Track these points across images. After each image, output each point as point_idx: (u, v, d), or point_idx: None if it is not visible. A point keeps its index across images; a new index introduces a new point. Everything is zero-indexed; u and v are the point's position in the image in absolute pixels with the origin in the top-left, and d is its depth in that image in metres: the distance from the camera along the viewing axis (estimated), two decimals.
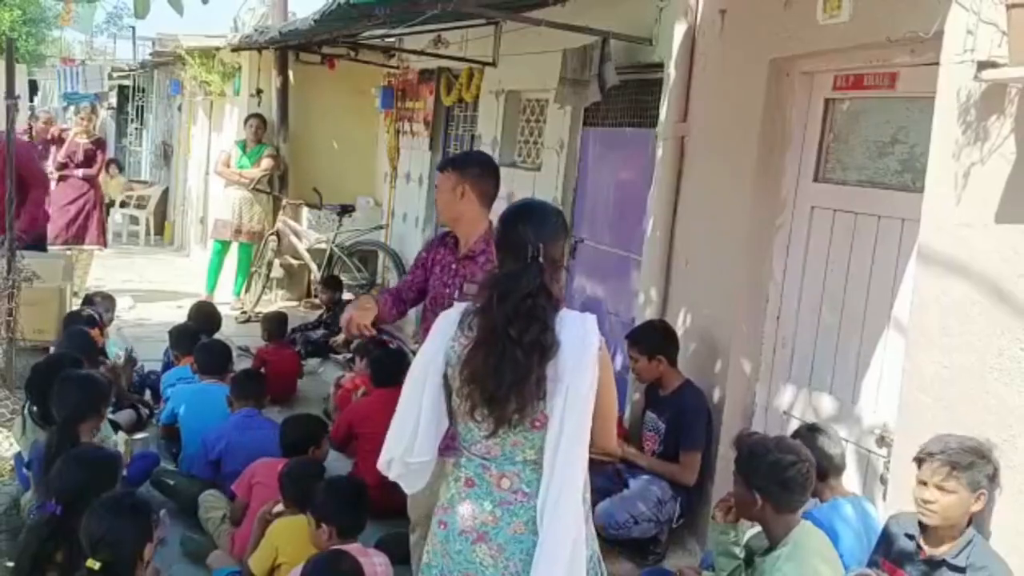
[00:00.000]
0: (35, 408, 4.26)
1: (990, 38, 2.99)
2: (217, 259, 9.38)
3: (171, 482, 4.54)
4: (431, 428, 2.49)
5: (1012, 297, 2.91)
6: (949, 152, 3.12)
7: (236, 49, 9.55)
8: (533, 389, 2.29)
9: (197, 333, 5.87)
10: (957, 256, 3.09)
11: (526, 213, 2.52)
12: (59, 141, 9.49)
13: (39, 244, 7.03)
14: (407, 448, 2.49)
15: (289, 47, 9.08)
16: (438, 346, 2.48)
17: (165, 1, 4.00)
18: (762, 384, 4.30)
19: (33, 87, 6.93)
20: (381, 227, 9.38)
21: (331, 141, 9.85)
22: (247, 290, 9.30)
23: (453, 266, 3.52)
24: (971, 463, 2.78)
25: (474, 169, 3.56)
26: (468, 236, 3.51)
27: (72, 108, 9.61)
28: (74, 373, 3.99)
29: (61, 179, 8.92)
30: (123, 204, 14.30)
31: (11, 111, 5.37)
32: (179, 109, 13.87)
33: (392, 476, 2.56)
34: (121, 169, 15.66)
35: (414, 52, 8.34)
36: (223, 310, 8.95)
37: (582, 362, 2.30)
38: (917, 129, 3.60)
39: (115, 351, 4.52)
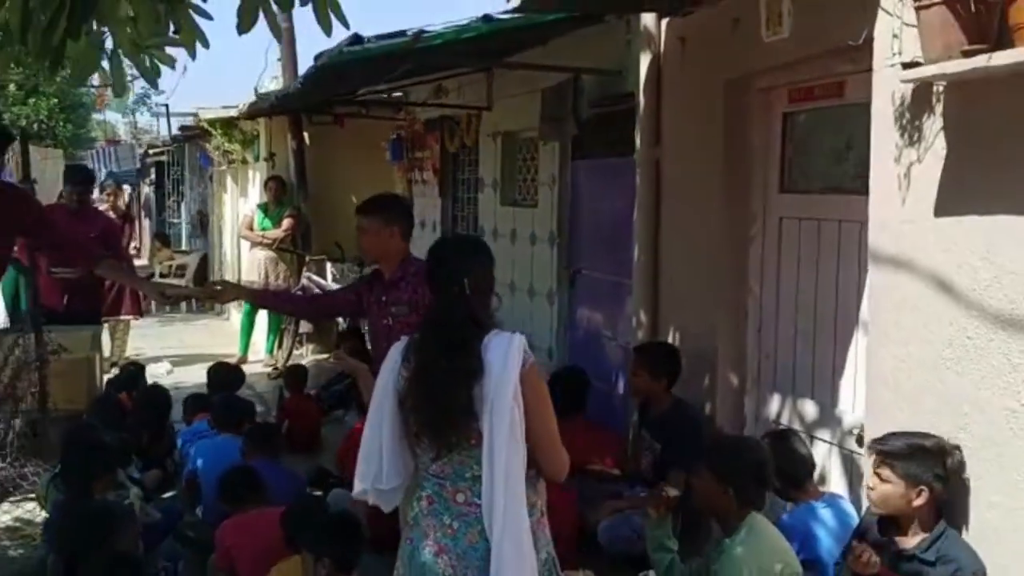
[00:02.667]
0: (59, 473, 4.49)
1: (914, 40, 3.09)
2: (247, 320, 9.69)
3: (191, 534, 4.70)
4: (395, 455, 2.64)
5: (955, 288, 2.97)
6: (888, 154, 3.21)
7: (248, 117, 9.93)
8: (463, 412, 2.45)
9: (211, 396, 6.07)
10: (903, 253, 3.16)
11: (451, 247, 2.73)
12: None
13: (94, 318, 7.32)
14: (376, 476, 2.65)
15: (301, 110, 9.43)
16: (387, 378, 2.65)
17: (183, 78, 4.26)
18: (750, 396, 4.37)
19: (86, 172, 7.43)
20: None
21: (349, 196, 10.11)
22: (279, 347, 9.57)
23: (383, 298, 3.97)
24: (909, 456, 2.83)
25: (396, 210, 4.02)
26: (391, 268, 3.97)
27: (105, 188, 10.00)
28: (86, 436, 4.22)
29: None
30: (163, 275, 14.75)
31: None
32: (211, 179, 14.39)
33: (370, 502, 2.72)
34: (166, 243, 16.24)
35: (416, 104, 8.60)
36: (256, 368, 9.28)
37: (503, 380, 2.43)
38: (868, 134, 3.69)
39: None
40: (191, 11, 2.85)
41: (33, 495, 5.30)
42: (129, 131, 21.85)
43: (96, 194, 9.91)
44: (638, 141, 4.93)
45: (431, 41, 4.92)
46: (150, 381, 7.37)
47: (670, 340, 4.75)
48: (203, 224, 15.50)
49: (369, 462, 2.66)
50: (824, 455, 3.88)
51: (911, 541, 2.90)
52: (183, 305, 14.43)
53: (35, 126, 17.99)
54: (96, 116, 32.96)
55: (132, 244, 9.82)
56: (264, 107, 8.87)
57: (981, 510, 2.89)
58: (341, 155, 10.04)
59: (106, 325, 9.45)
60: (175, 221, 17.93)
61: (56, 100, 18.41)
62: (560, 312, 6.27)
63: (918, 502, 2.84)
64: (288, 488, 4.63)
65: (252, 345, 9.76)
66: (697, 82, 4.50)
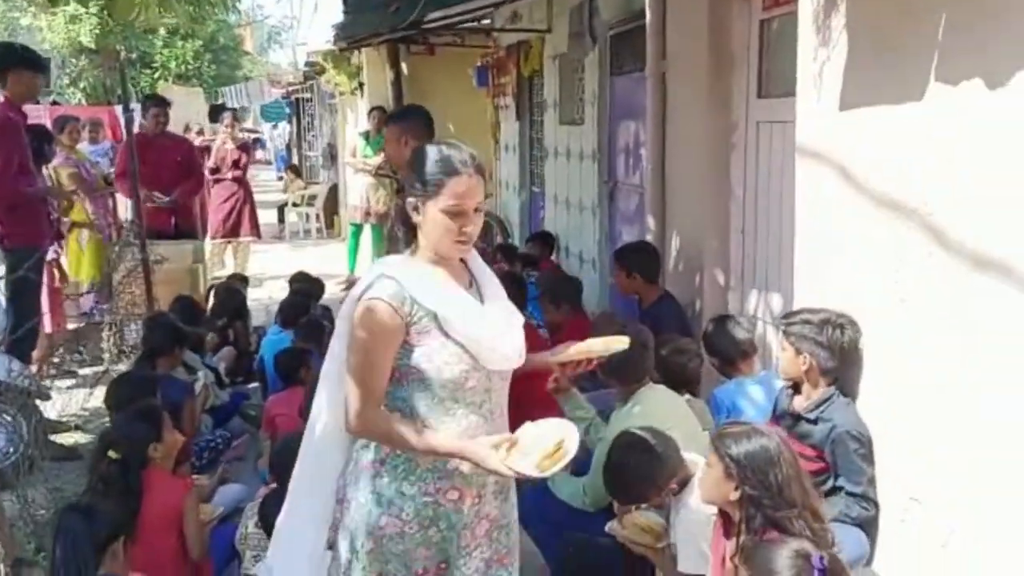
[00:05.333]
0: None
1: None
2: (353, 240, 10.47)
3: (252, 412, 5.47)
4: None
5: (860, 179, 3.18)
6: (808, 55, 3.41)
7: (343, 48, 10.55)
8: None
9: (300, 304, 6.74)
10: (822, 148, 3.38)
11: None
12: (206, 149, 10.89)
13: (191, 234, 8.19)
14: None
15: (397, 40, 9.97)
16: None
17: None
18: (734, 292, 4.64)
19: (160, 99, 8.29)
20: (490, 195, 10.12)
21: (445, 124, 10.66)
22: None
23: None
24: (798, 329, 3.12)
25: (411, 120, 4.27)
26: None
27: (222, 120, 10.94)
28: (157, 318, 5.01)
29: (216, 182, 10.28)
30: (295, 204, 15.87)
31: (129, 122, 6.55)
32: (335, 112, 15.27)
33: None
34: (299, 175, 17.39)
35: (493, 29, 8.97)
36: None
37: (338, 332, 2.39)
38: None
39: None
40: None
41: None
42: (293, 71, 22.97)
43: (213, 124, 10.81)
44: (648, 56, 5.18)
45: None
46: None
47: (672, 242, 5.06)
48: (332, 156, 16.47)
49: None
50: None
51: (802, 404, 3.21)
52: (313, 231, 15.56)
53: (183, 67, 19.47)
54: (259, 58, 34.88)
55: (249, 172, 10.69)
56: (354, 37, 9.44)
57: (873, 380, 3.15)
58: (436, 84, 10.55)
59: (229, 245, 10.53)
60: (311, 154, 19.06)
61: (201, 43, 19.85)
62: (601, 224, 6.61)
63: (803, 368, 3.14)
64: None
65: (358, 264, 10.54)
66: None
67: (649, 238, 5.23)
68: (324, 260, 12.70)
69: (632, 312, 5.62)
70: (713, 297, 4.68)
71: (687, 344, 3.83)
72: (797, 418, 3.20)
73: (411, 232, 2.36)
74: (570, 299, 5.06)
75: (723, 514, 2.54)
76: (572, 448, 2.17)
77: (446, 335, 2.26)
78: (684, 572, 2.79)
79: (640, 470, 2.84)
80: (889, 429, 3.07)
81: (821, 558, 2.16)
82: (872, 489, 3.09)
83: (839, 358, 3.14)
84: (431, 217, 2.28)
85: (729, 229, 4.60)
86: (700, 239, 4.75)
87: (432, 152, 2.30)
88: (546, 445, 2.16)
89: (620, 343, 2.55)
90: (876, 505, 3.07)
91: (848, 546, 2.74)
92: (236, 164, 10.32)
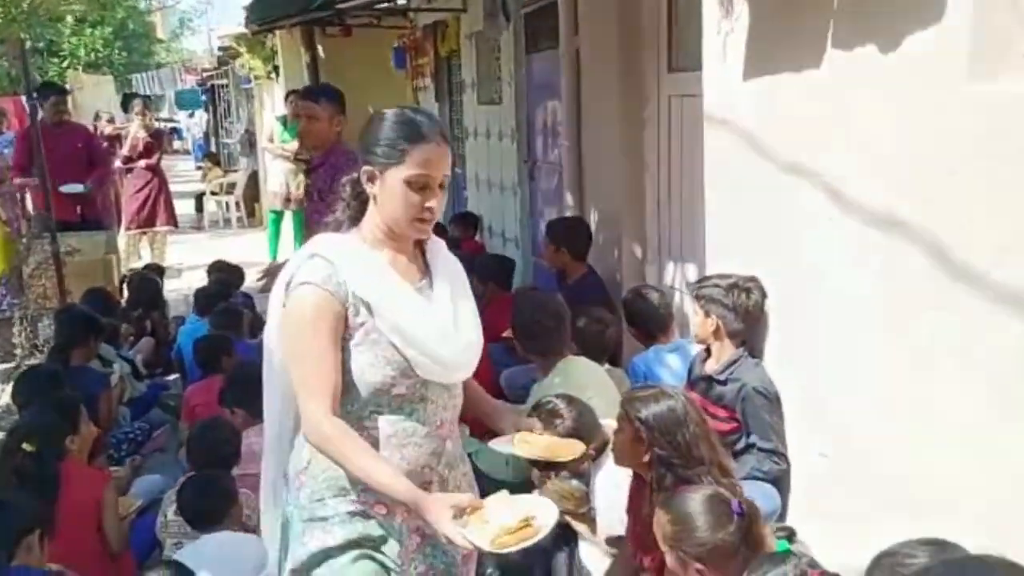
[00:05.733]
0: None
1: None
2: (274, 227, 10.31)
3: (171, 403, 5.37)
4: None
5: (764, 147, 3.26)
6: (713, 27, 3.48)
7: (255, 32, 10.36)
8: None
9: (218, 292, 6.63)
10: (728, 119, 3.45)
11: None
12: (116, 138, 10.61)
13: (97, 223, 7.97)
14: None
15: (311, 22, 9.81)
16: None
17: None
18: (651, 264, 4.73)
19: (58, 87, 8.04)
20: None
21: (364, 107, 10.56)
22: None
23: (307, 182, 4.37)
24: (707, 293, 3.20)
25: (342, 102, 4.20)
26: (319, 154, 4.29)
27: (133, 108, 10.66)
28: (69, 310, 4.88)
29: (128, 171, 10.01)
30: (214, 193, 15.54)
31: (34, 111, 6.35)
32: (252, 98, 14.98)
33: None
34: (218, 163, 17.03)
35: (409, 9, 8.91)
36: None
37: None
38: None
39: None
40: None
41: None
42: (209, 59, 22.41)
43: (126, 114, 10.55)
44: (560, 34, 5.21)
45: None
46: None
47: (592, 217, 5.11)
48: (250, 142, 16.16)
49: None
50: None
51: (713, 366, 3.30)
52: (233, 220, 15.27)
53: (92, 55, 18.88)
54: (173, 45, 33.92)
55: (167, 163, 10.44)
56: (266, 19, 9.28)
57: (783, 340, 3.25)
58: (353, 66, 10.39)
59: (144, 236, 10.29)
60: (228, 141, 18.68)
61: (111, 30, 19.27)
62: (522, 203, 6.61)
63: (712, 329, 3.22)
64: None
65: (280, 251, 10.39)
66: None
67: (568, 215, 5.28)
68: (245, 249, 12.47)
69: (553, 288, 5.68)
70: (631, 269, 4.76)
71: (604, 315, 3.89)
72: (709, 381, 3.29)
73: (360, 207, 2.10)
74: (498, 279, 5.11)
75: (636, 476, 2.60)
76: (542, 528, 1.89)
77: (379, 331, 2.00)
78: (605, 535, 2.84)
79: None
80: (797, 387, 3.18)
81: (739, 503, 2.23)
82: (782, 445, 3.20)
83: (745, 320, 3.24)
84: (390, 188, 2.00)
85: (645, 203, 4.68)
86: (617, 214, 4.82)
87: (396, 116, 2.05)
88: (508, 521, 1.87)
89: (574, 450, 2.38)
90: (787, 460, 3.18)
91: (761, 501, 2.82)
92: (149, 152, 10.07)
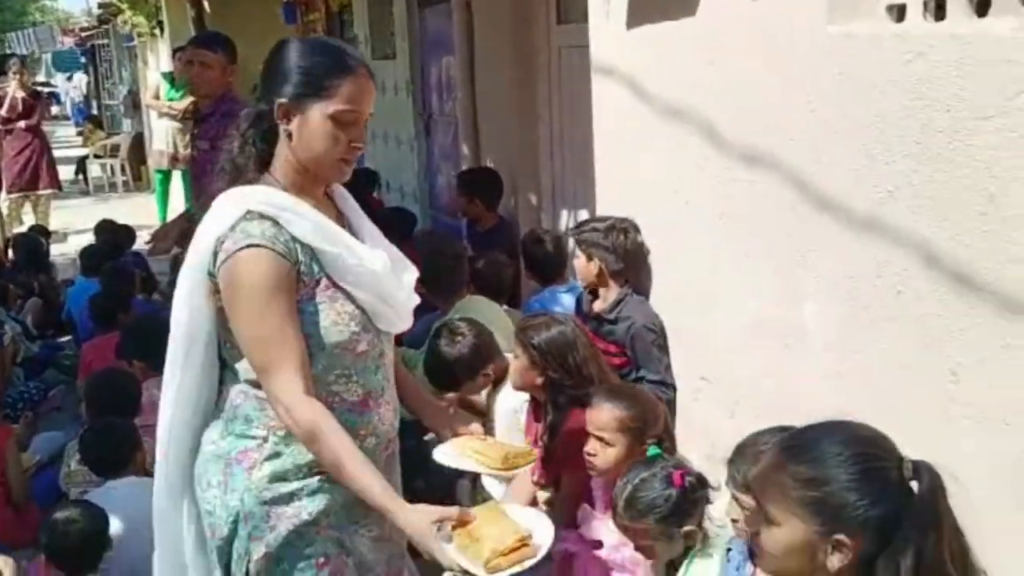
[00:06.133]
0: None
1: None
2: (161, 188, 10.11)
3: (67, 362, 5.31)
4: None
5: (647, 93, 3.44)
6: None
7: None
8: None
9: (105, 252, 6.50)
10: (613, 67, 3.61)
11: None
12: None
13: None
14: None
15: None
16: None
17: None
18: (546, 212, 4.91)
19: (7, 57, 7.63)
20: None
21: (254, 64, 10.38)
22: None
23: (195, 131, 4.32)
24: (586, 238, 3.38)
25: (235, 52, 4.19)
26: (208, 103, 4.23)
27: (9, 68, 10.20)
28: None
29: (7, 133, 9.62)
30: (98, 156, 15.02)
31: None
32: (135, 57, 14.49)
33: None
34: (100, 126, 16.43)
35: None
36: None
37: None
38: None
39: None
40: None
41: None
42: (87, 18, 21.41)
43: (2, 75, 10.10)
44: None
45: None
46: None
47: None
48: (135, 104, 15.64)
49: None
50: None
51: (601, 306, 3.48)
52: (119, 183, 14.80)
53: None
54: (48, 4, 32.25)
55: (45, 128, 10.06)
56: None
57: (665, 276, 3.47)
58: (242, 22, 10.18)
59: (27, 200, 9.93)
60: (111, 103, 18.03)
61: None
62: (419, 157, 6.72)
63: (595, 272, 3.40)
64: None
65: (169, 212, 10.17)
66: None
67: (464, 167, 5.40)
68: (133, 212, 12.12)
69: (456, 233, 5.81)
70: (527, 217, 4.92)
71: (500, 257, 4.04)
72: (600, 320, 3.47)
73: (266, 150, 1.89)
74: (401, 233, 5.20)
75: (532, 399, 2.77)
76: (540, 548, 1.74)
77: (335, 286, 1.85)
78: None
79: (456, 354, 3.02)
80: (680, 318, 3.40)
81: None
82: (669, 375, 3.42)
83: (625, 259, 3.42)
84: (314, 125, 1.82)
85: (539, 153, 4.83)
86: (512, 164, 4.97)
87: (315, 45, 1.90)
88: (504, 539, 1.69)
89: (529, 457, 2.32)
90: (674, 388, 3.40)
91: None
92: (29, 113, 9.70)
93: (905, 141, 2.29)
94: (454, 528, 1.72)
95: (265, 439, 1.88)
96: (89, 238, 9.78)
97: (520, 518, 1.82)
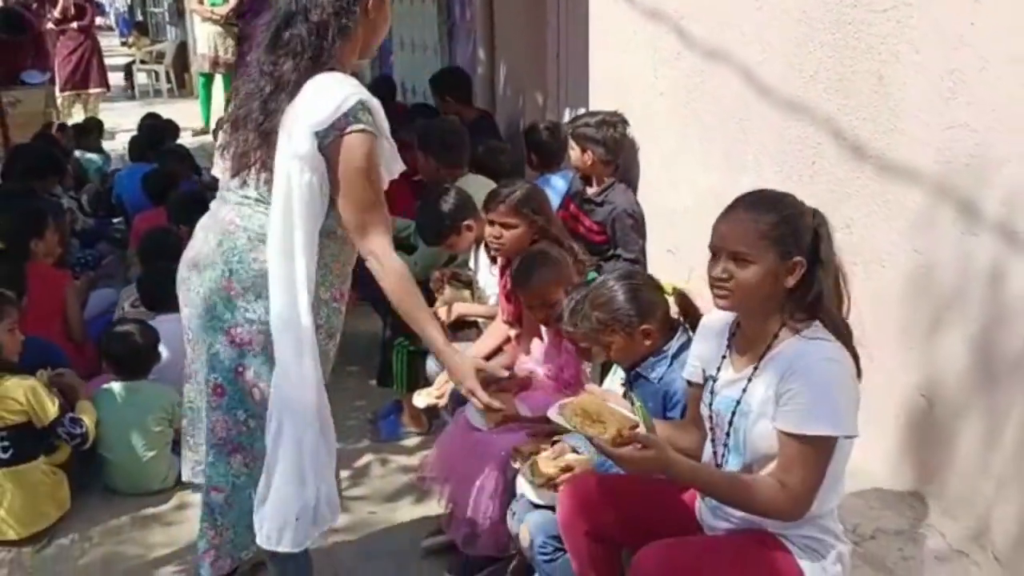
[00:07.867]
0: None
1: None
2: (204, 91, 10.55)
3: (118, 235, 5.89)
4: None
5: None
6: None
7: None
8: (255, 129, 2.20)
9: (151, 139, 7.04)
10: None
11: None
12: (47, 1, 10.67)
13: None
14: None
15: None
16: None
17: None
18: (551, 111, 5.32)
19: None
20: None
21: None
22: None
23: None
24: (580, 132, 3.82)
25: None
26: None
27: None
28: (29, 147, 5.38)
29: (60, 33, 10.13)
30: (143, 62, 15.51)
31: None
32: None
33: None
34: (145, 32, 16.90)
35: None
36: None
37: (292, 130, 2.12)
38: None
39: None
40: None
41: None
42: None
43: None
44: None
45: None
46: None
47: (500, 72, 5.67)
48: (179, 11, 16.05)
49: None
50: None
51: (592, 190, 3.95)
52: (164, 90, 15.32)
53: None
54: None
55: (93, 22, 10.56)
56: None
57: (645, 168, 3.92)
58: None
59: (79, 98, 10.49)
60: (156, 11, 18.44)
61: None
62: (443, 62, 7.12)
63: (588, 163, 3.86)
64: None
65: (212, 115, 10.67)
66: None
67: (481, 70, 5.83)
68: (177, 116, 12.44)
69: None
70: (532, 115, 5.35)
71: (498, 144, 4.49)
72: (589, 201, 3.94)
73: (343, 37, 2.13)
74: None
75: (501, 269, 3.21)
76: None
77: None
78: (489, 309, 3.52)
79: (444, 209, 3.49)
80: (651, 196, 3.87)
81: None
82: (642, 255, 3.90)
83: (615, 151, 3.87)
84: (385, 9, 2.19)
85: (546, 56, 5.24)
86: (522, 66, 5.39)
87: None
88: (625, 423, 1.89)
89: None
90: (644, 266, 3.88)
91: None
92: (81, 14, 10.18)
93: (824, 32, 2.72)
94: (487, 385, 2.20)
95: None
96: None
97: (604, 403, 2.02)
